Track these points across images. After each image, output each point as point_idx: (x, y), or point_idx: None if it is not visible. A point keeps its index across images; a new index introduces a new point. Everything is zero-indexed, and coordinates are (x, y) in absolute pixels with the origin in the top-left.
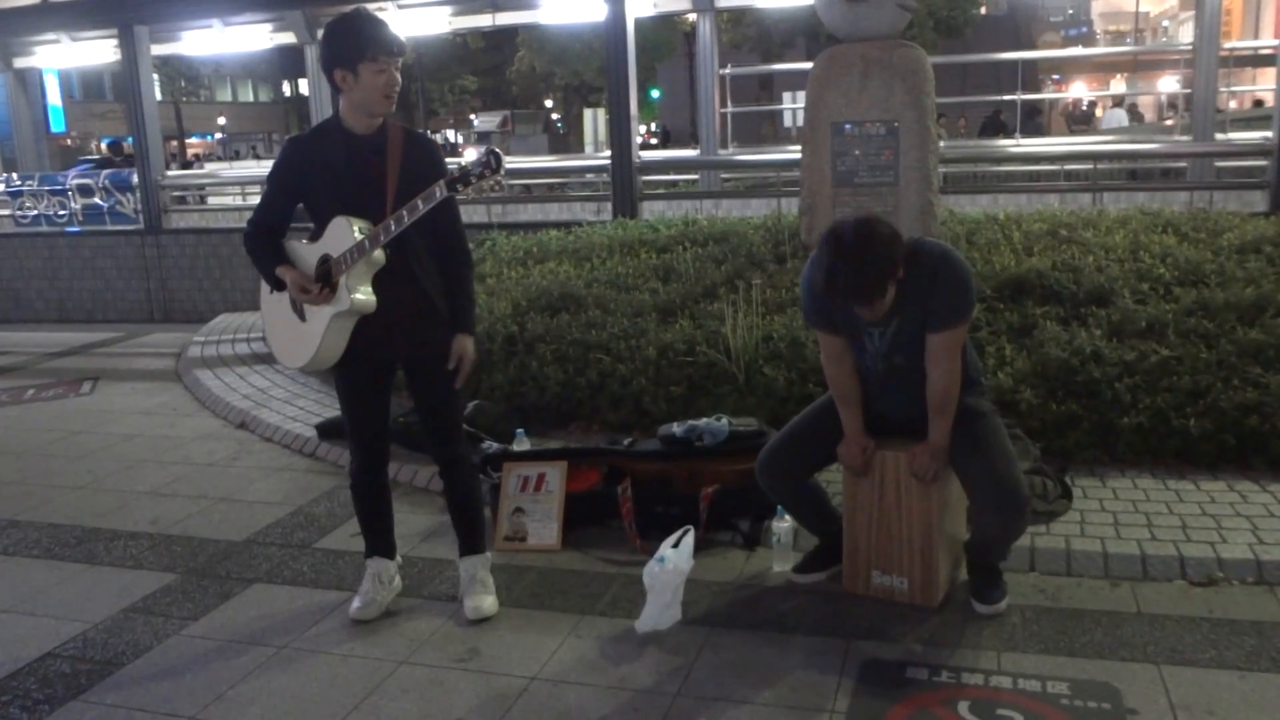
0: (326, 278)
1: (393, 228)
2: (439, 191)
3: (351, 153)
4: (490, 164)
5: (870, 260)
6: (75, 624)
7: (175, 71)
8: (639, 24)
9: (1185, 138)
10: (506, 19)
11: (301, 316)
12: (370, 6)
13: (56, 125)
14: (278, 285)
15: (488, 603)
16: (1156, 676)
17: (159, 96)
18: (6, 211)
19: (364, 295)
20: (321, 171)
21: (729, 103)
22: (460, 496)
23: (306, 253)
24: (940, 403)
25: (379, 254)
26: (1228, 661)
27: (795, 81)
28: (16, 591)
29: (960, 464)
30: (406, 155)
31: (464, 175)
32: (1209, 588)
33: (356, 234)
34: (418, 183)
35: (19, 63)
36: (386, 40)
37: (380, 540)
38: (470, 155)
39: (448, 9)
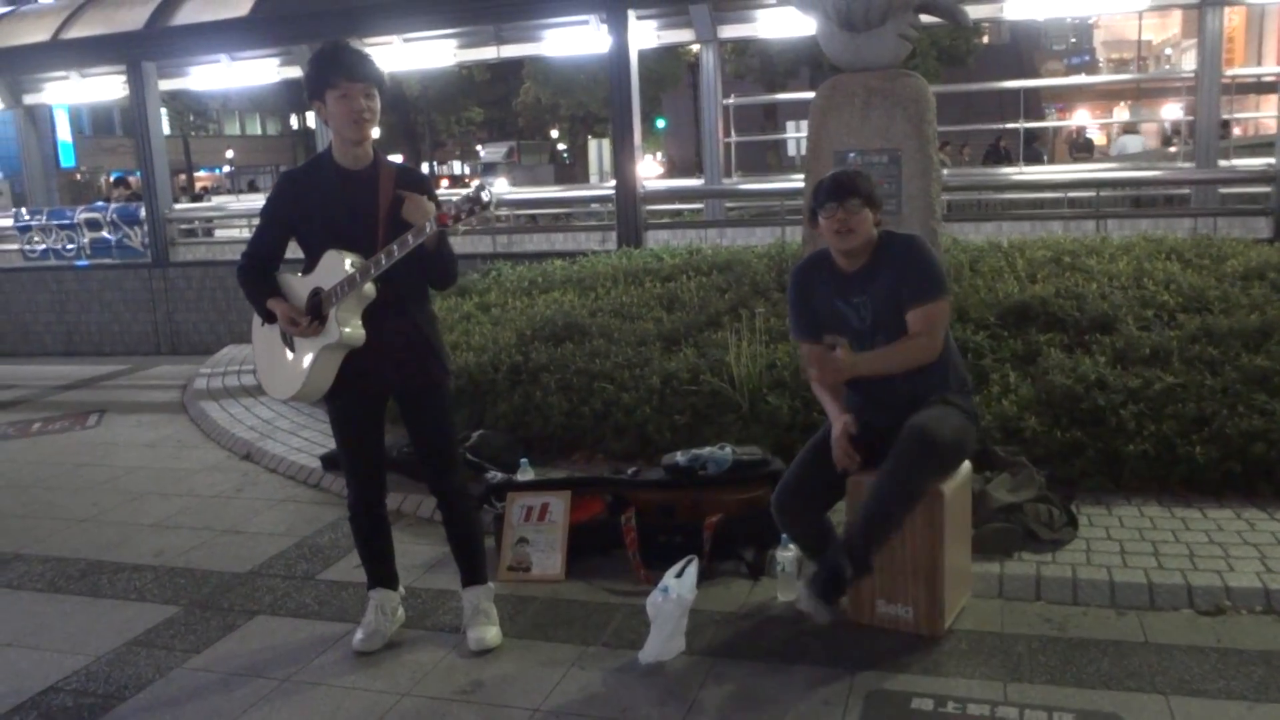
0: (317, 310)
1: (383, 262)
2: (429, 227)
3: (343, 187)
4: (479, 200)
5: (850, 173)
6: (78, 657)
7: (184, 106)
8: (643, 55)
9: (1189, 165)
10: (511, 51)
11: (291, 348)
12: (375, 40)
13: (67, 160)
14: (269, 317)
15: (491, 634)
16: (1164, 707)
17: (168, 131)
18: (15, 246)
19: (353, 329)
20: (313, 205)
21: (733, 132)
22: (460, 528)
23: (299, 285)
24: (901, 347)
25: (369, 288)
26: (1236, 692)
27: (799, 111)
28: (20, 625)
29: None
30: (397, 190)
31: (454, 213)
32: (1217, 617)
33: (348, 267)
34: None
35: (29, 99)
36: (349, 65)
37: (382, 571)
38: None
39: (453, 42)
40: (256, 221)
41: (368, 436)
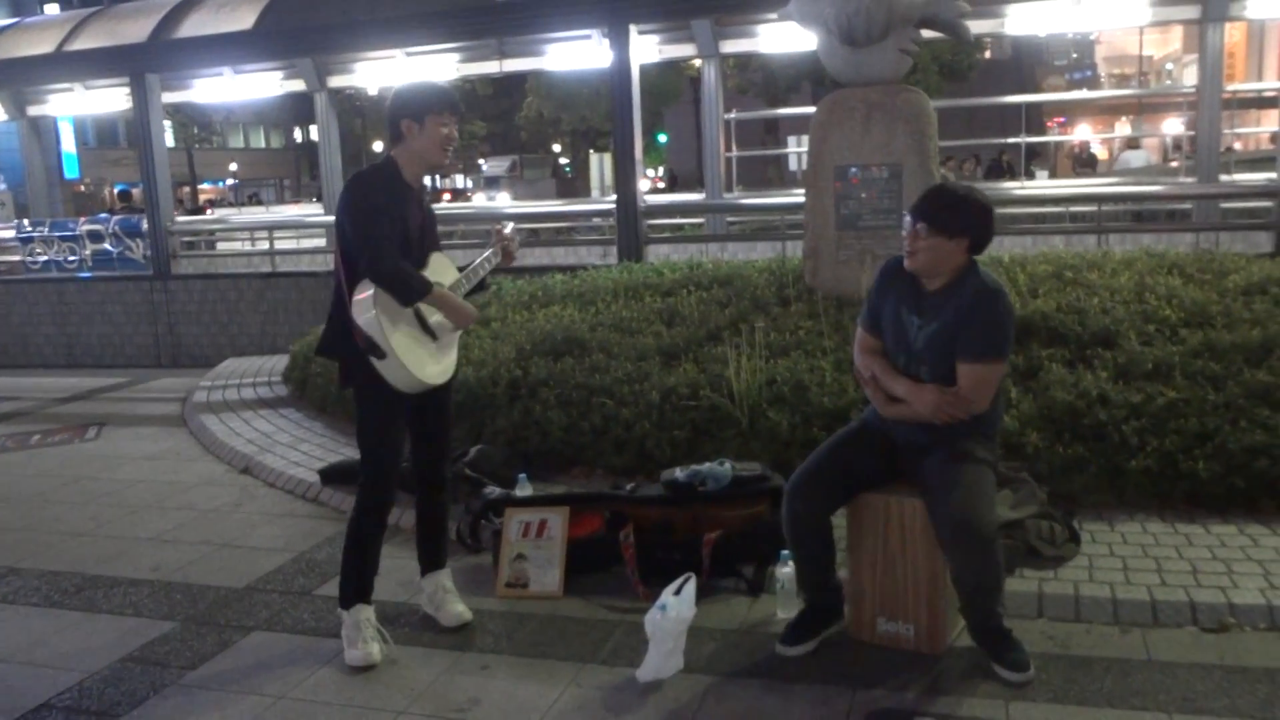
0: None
1: (487, 267)
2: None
3: (408, 201)
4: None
5: (943, 194)
6: (72, 674)
7: (188, 119)
8: (644, 69)
9: (1190, 179)
10: (513, 65)
11: (433, 335)
12: (379, 54)
13: (70, 172)
14: (422, 295)
15: (463, 607)
16: None
17: (172, 143)
18: (17, 257)
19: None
20: (401, 211)
21: (734, 147)
22: (441, 518)
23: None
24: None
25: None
26: (1240, 710)
27: (800, 125)
28: (14, 641)
29: (933, 501)
30: (427, 210)
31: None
32: (1221, 634)
33: (456, 270)
34: (431, 233)
35: (33, 110)
36: (453, 100)
37: (369, 584)
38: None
39: (455, 56)
40: (374, 223)
41: (403, 436)
